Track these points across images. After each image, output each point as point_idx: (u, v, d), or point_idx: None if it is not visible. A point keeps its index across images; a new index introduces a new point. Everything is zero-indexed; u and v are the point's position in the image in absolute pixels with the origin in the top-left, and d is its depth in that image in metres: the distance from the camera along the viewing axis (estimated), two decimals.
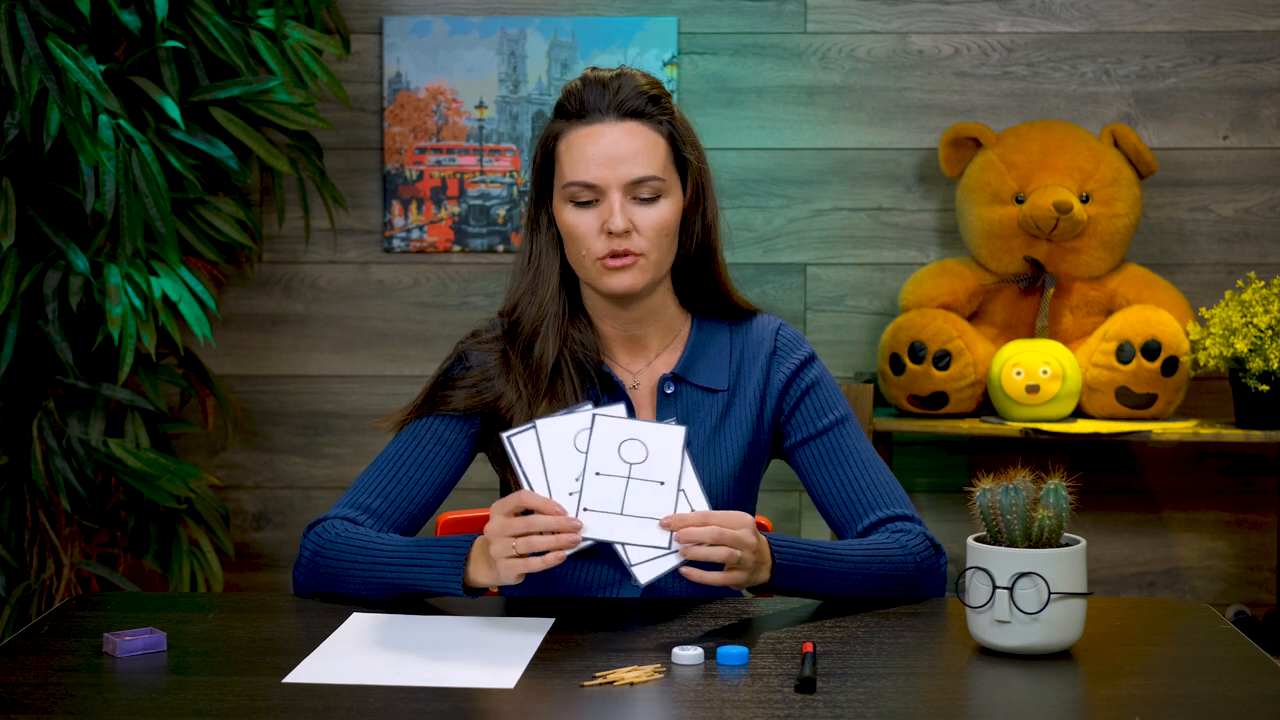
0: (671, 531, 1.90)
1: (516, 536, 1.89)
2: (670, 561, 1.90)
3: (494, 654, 1.84)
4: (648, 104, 2.12)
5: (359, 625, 1.95)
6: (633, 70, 2.16)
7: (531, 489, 1.92)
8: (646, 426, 1.94)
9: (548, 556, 1.88)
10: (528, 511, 1.91)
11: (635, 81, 2.13)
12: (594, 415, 1.93)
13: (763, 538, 1.99)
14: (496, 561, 1.91)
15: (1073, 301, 3.44)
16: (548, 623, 1.95)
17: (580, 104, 2.12)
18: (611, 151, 2.10)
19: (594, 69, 2.17)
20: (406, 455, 2.15)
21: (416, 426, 2.17)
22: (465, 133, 3.59)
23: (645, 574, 1.90)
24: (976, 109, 3.59)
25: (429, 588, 2.00)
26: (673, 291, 2.21)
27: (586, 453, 1.92)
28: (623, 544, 1.90)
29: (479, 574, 1.98)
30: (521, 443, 1.93)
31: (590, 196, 2.11)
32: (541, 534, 1.89)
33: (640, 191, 2.10)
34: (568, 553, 1.89)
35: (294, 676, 1.77)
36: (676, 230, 2.14)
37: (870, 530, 2.14)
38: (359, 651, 1.86)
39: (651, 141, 2.12)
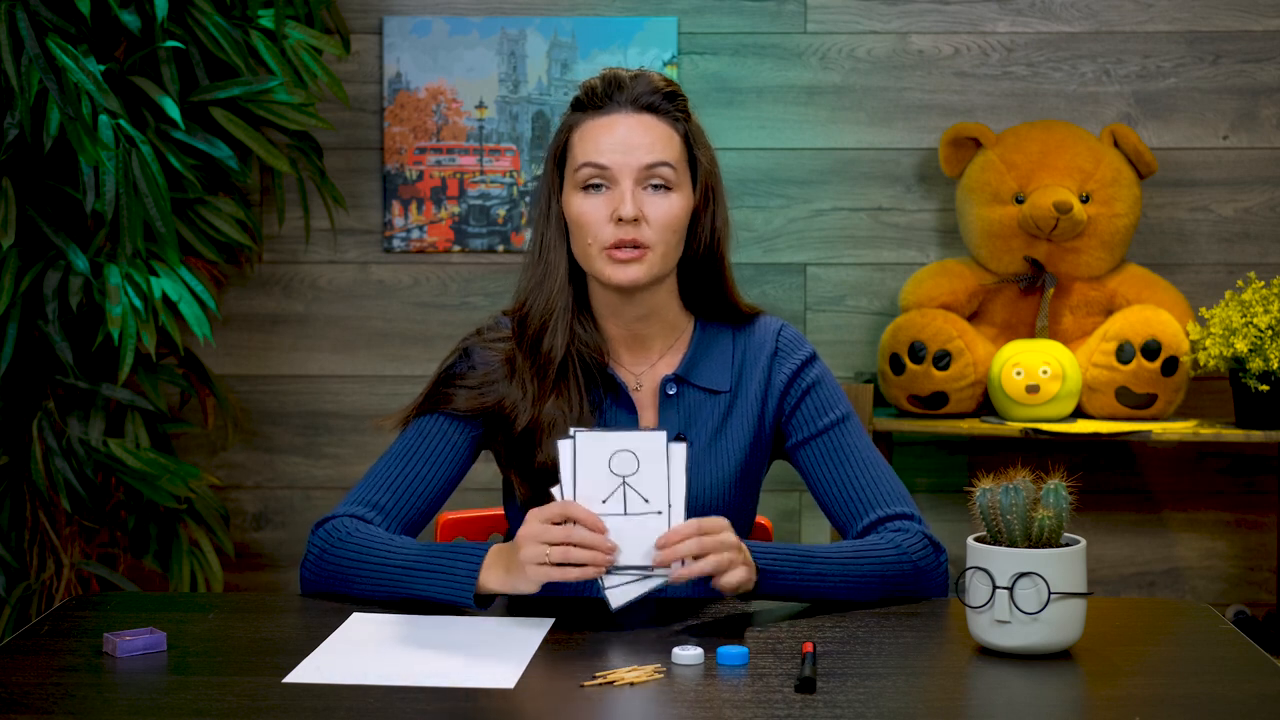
0: (656, 550, 1.91)
1: (553, 545, 1.89)
2: (649, 585, 1.91)
3: (494, 654, 1.84)
4: (664, 100, 2.14)
5: (359, 625, 1.95)
6: (651, 71, 2.18)
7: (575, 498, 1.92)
8: (631, 437, 1.92)
9: (585, 569, 1.89)
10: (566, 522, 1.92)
11: (652, 80, 2.15)
12: (575, 434, 1.91)
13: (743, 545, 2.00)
14: (524, 566, 1.91)
15: (1073, 301, 3.44)
16: (548, 623, 1.95)
17: (597, 97, 2.14)
18: (625, 139, 2.11)
19: (613, 69, 2.19)
20: (413, 451, 2.16)
21: (421, 423, 2.17)
22: (465, 133, 3.59)
23: (618, 598, 1.92)
24: (976, 109, 3.59)
25: (438, 597, 1.99)
26: (677, 293, 2.22)
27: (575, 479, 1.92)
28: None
29: (492, 580, 1.96)
30: (571, 446, 1.91)
31: (601, 180, 2.11)
32: (579, 547, 1.89)
33: (652, 179, 2.11)
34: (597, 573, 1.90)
35: (294, 676, 1.77)
36: (684, 229, 2.15)
37: (871, 528, 2.14)
38: (359, 651, 1.86)
39: (665, 135, 2.13)
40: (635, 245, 2.10)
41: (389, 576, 2.03)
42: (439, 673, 1.78)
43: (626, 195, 2.09)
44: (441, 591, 1.99)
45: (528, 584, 1.92)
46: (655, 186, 2.11)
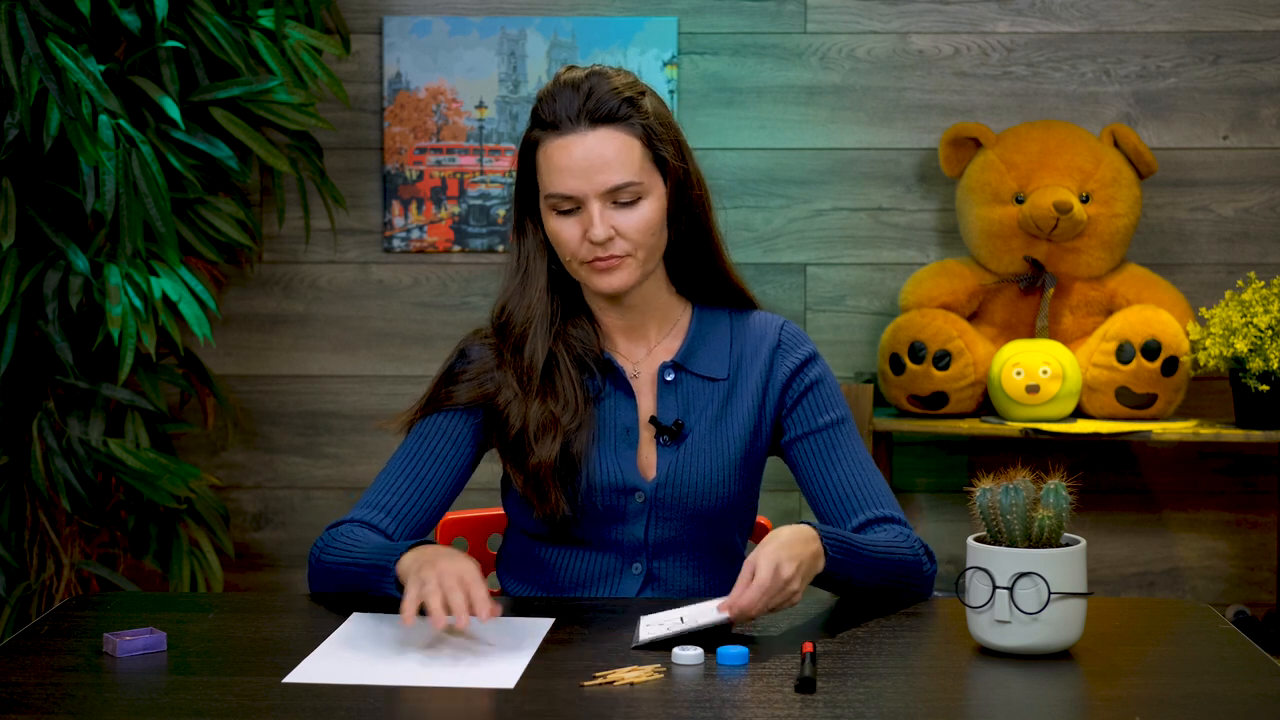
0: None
1: (443, 588, 1.87)
2: (673, 629, 1.89)
3: (494, 654, 1.84)
4: (620, 106, 2.11)
5: (359, 625, 1.96)
6: (606, 70, 2.15)
7: None
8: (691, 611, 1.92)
9: (437, 617, 1.85)
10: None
11: (607, 84, 2.12)
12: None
13: (801, 533, 1.98)
14: (421, 575, 1.89)
15: (1073, 301, 3.44)
16: (547, 623, 1.95)
17: (553, 113, 2.12)
18: (584, 163, 2.10)
19: (569, 68, 2.16)
20: (418, 453, 2.17)
21: (424, 425, 2.19)
22: (465, 133, 3.59)
23: (646, 633, 1.90)
24: (976, 109, 3.59)
25: (382, 590, 2.00)
26: (667, 280, 2.22)
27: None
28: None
29: (402, 565, 1.97)
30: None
31: (571, 206, 2.12)
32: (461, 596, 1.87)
33: (619, 197, 2.11)
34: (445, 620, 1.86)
35: (294, 676, 1.77)
36: (662, 226, 2.15)
37: (861, 530, 2.15)
38: (359, 651, 1.86)
39: (625, 145, 2.11)
40: (612, 257, 2.12)
41: (360, 578, 2.04)
42: (439, 673, 1.78)
43: (595, 219, 2.10)
44: (380, 584, 2.00)
45: (410, 587, 1.90)
46: (623, 202, 2.11)
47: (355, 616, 1.99)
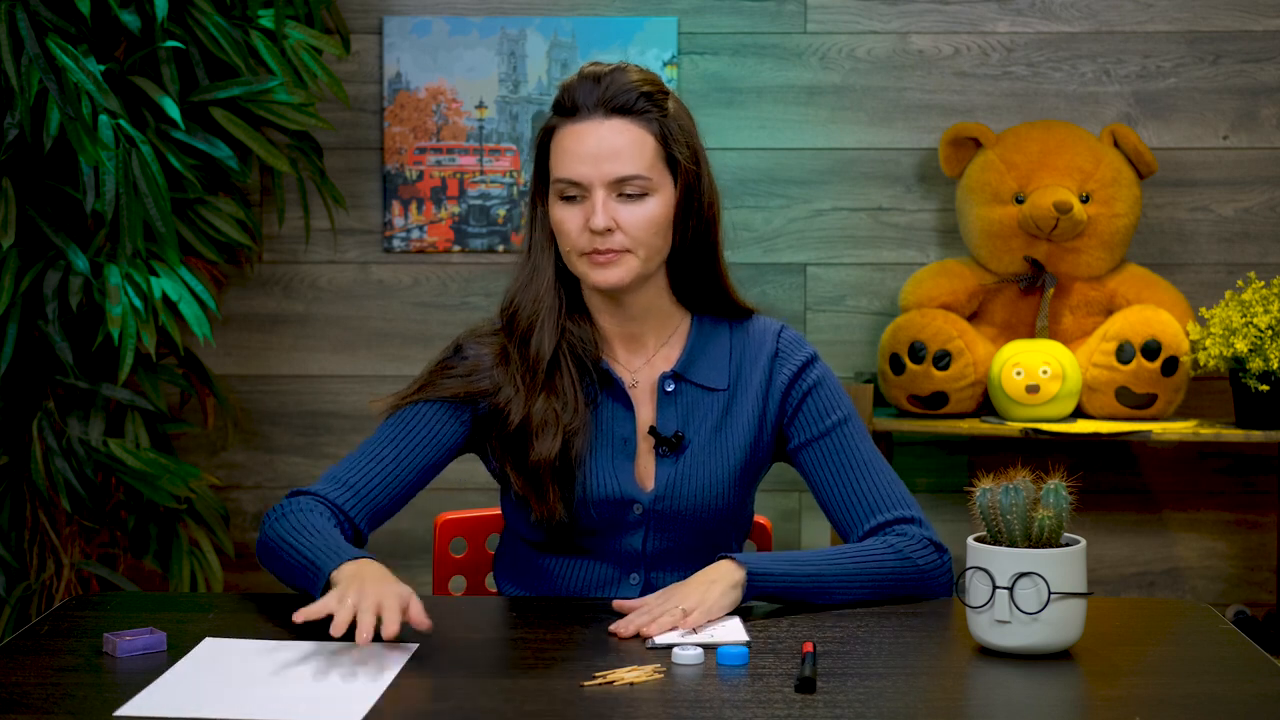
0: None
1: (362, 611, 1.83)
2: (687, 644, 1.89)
3: (339, 689, 1.73)
4: (637, 100, 2.11)
5: (209, 651, 1.87)
6: (630, 66, 2.16)
7: None
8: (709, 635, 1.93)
9: (363, 632, 1.81)
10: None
11: (628, 77, 2.13)
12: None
13: (699, 577, 2.01)
14: (338, 607, 1.85)
15: (1073, 301, 3.44)
16: (410, 649, 1.86)
17: (572, 100, 2.13)
18: (595, 149, 2.10)
19: (594, 64, 2.17)
20: (394, 437, 2.16)
21: (406, 411, 2.17)
22: (465, 133, 3.59)
23: (661, 638, 1.91)
24: (976, 109, 3.59)
25: (310, 589, 1.98)
26: (669, 288, 2.21)
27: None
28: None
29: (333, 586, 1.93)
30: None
31: (576, 193, 2.11)
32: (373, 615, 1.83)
33: (625, 188, 2.10)
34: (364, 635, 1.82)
35: (128, 709, 1.67)
36: (666, 227, 2.14)
37: (873, 533, 2.14)
38: (202, 680, 1.76)
39: (638, 139, 2.11)
40: (610, 251, 2.10)
41: (297, 567, 2.01)
42: (276, 709, 1.68)
43: (598, 207, 2.09)
44: (317, 590, 1.96)
45: (329, 597, 1.87)
46: (629, 195, 2.11)
47: (208, 641, 1.90)
